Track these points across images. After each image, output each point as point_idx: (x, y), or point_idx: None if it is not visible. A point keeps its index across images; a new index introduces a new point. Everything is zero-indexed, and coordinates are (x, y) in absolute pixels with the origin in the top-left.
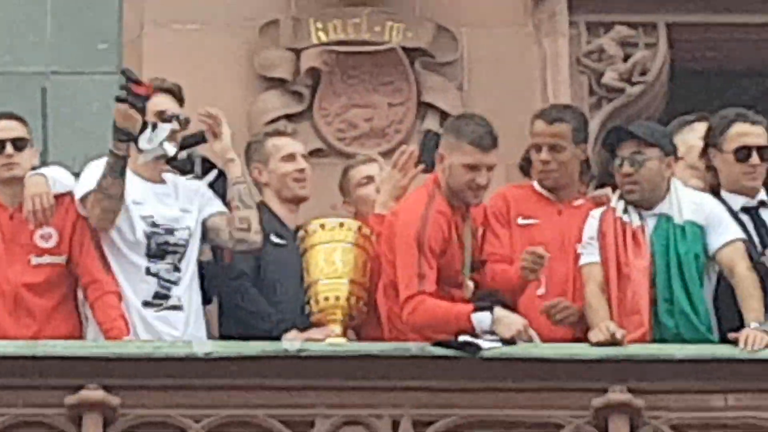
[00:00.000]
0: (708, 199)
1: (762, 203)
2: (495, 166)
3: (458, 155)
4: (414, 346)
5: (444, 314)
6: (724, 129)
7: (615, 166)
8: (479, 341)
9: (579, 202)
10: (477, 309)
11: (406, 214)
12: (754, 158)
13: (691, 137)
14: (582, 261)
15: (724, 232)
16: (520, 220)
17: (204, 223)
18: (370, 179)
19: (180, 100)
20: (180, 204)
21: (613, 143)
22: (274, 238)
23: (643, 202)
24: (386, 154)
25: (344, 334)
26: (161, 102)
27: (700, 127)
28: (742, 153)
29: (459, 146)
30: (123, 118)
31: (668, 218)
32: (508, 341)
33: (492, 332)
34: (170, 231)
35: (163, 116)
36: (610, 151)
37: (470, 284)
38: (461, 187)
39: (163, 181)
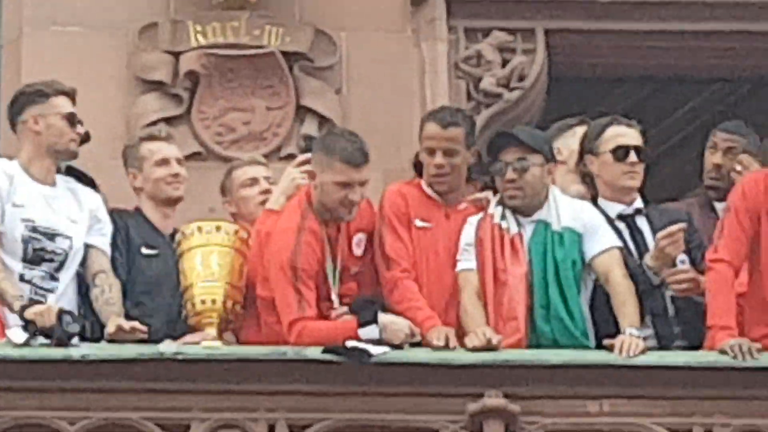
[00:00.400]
0: (586, 206)
1: (638, 211)
2: (368, 181)
3: (330, 173)
4: (290, 350)
5: (330, 335)
6: (599, 133)
7: (496, 170)
8: (368, 347)
9: (463, 206)
10: (361, 324)
11: (278, 238)
12: (632, 156)
13: (572, 141)
14: (459, 267)
15: (601, 240)
16: (419, 222)
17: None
18: (254, 181)
19: (74, 102)
20: (68, 211)
21: (497, 148)
22: (144, 250)
23: (524, 208)
24: (265, 158)
25: (220, 337)
26: (64, 104)
27: (582, 131)
28: (621, 152)
29: (330, 164)
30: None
31: (546, 225)
32: (397, 346)
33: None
34: (51, 237)
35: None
36: (491, 155)
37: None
38: (335, 205)
39: (53, 184)
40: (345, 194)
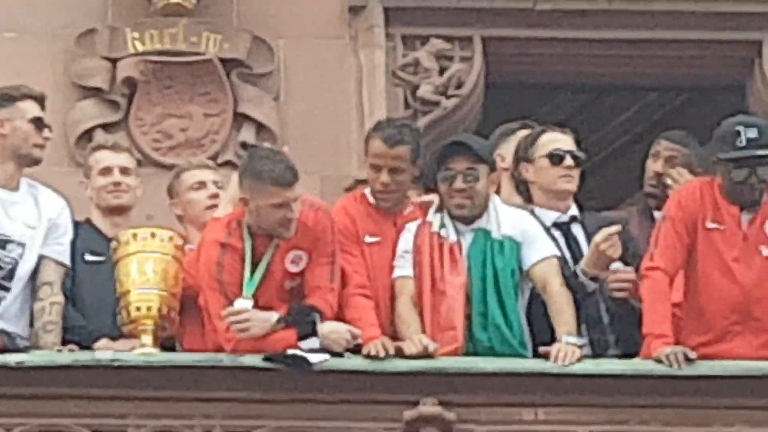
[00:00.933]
0: (524, 215)
1: (573, 218)
2: (300, 195)
3: (264, 197)
4: (226, 357)
5: (270, 347)
6: (534, 140)
7: (442, 178)
8: (308, 355)
9: (409, 209)
10: (301, 337)
11: (205, 249)
12: (568, 161)
13: (514, 146)
14: (395, 274)
15: (539, 249)
16: (368, 239)
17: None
18: (202, 184)
19: (43, 107)
20: (26, 218)
21: (446, 155)
22: (88, 257)
23: (467, 217)
24: None
25: (156, 344)
26: (31, 108)
27: (522, 136)
28: (556, 156)
29: (262, 189)
30: None
31: (486, 233)
32: (339, 353)
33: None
34: (2, 244)
35: (40, 124)
36: (439, 162)
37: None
38: (273, 226)
39: (16, 188)
40: (282, 214)
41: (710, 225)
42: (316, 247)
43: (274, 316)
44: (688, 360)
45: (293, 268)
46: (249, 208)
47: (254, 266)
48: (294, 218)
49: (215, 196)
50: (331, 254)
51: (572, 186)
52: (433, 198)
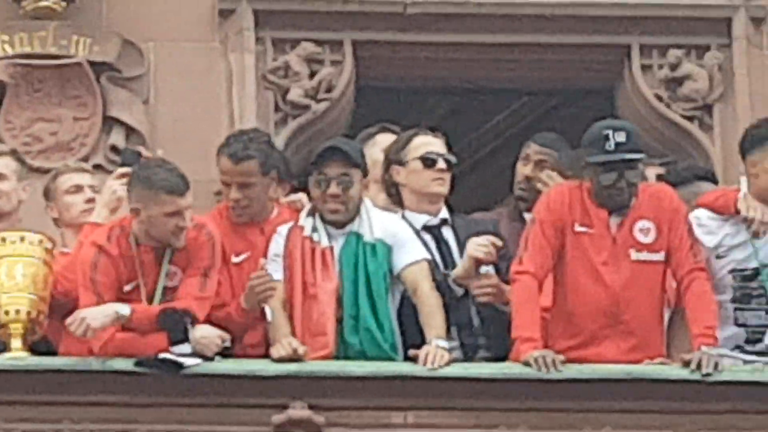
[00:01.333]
0: (396, 218)
1: (444, 221)
2: (191, 205)
3: (157, 206)
4: (96, 362)
5: (141, 350)
6: (406, 143)
7: (315, 183)
8: (180, 359)
9: (275, 213)
10: (173, 342)
11: (84, 250)
12: (441, 164)
13: (374, 151)
14: None
15: (410, 252)
16: (234, 258)
17: None
18: (78, 188)
19: None
20: None
21: (321, 160)
22: None
23: (340, 221)
24: None
25: (25, 348)
26: None
27: (383, 139)
28: (429, 159)
29: (155, 197)
30: None
31: (359, 236)
32: (210, 358)
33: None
34: None
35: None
36: (313, 166)
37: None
38: (166, 235)
39: None
40: (175, 223)
41: (579, 228)
42: (189, 264)
43: (113, 308)
44: (555, 364)
45: (168, 283)
46: (140, 218)
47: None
48: (185, 227)
49: (91, 200)
50: (205, 268)
51: (444, 189)
52: (301, 197)
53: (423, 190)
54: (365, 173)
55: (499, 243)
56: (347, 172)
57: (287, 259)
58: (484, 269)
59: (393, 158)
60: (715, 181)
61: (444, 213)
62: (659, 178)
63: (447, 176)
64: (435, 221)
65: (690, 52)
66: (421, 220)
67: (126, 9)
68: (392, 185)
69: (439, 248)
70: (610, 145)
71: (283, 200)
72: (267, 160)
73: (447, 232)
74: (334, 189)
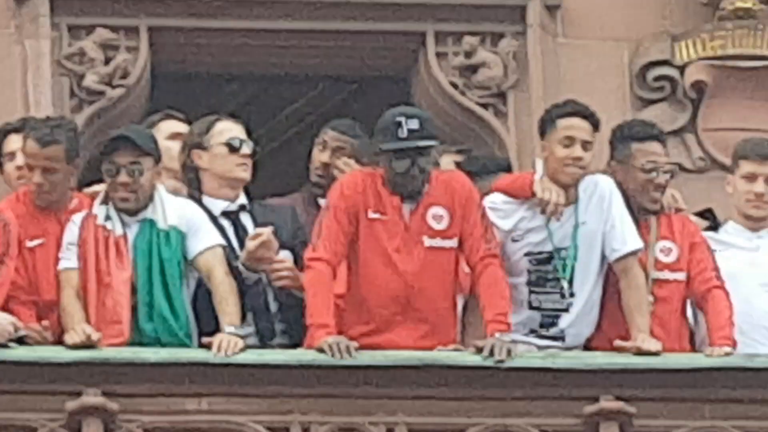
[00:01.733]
0: (189, 204)
1: (242, 207)
2: None
3: None
4: None
5: None
6: (208, 128)
7: (106, 172)
8: None
9: (74, 202)
10: None
11: None
12: (245, 149)
13: (158, 138)
14: (60, 266)
15: (204, 238)
16: (29, 243)
17: None
18: (12, 156)
19: None
20: None
21: (110, 149)
22: None
23: (132, 209)
24: None
25: None
26: None
27: (166, 126)
28: (234, 145)
29: None
30: None
31: (152, 223)
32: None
33: None
34: None
35: None
36: (103, 155)
37: None
38: None
39: None
40: None
41: (372, 215)
42: None
43: None
44: (349, 350)
45: None
46: None
47: None
48: None
49: None
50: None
51: (247, 174)
52: (100, 188)
53: (226, 174)
54: (158, 160)
55: (269, 230)
56: (137, 160)
57: (81, 247)
58: (283, 254)
59: (193, 142)
60: (510, 172)
61: (243, 199)
62: (457, 165)
63: (250, 162)
64: (233, 207)
65: (485, 40)
66: (220, 205)
67: None
68: (191, 170)
69: (237, 234)
70: (403, 132)
71: (85, 191)
72: (73, 146)
73: (245, 218)
74: (123, 177)
